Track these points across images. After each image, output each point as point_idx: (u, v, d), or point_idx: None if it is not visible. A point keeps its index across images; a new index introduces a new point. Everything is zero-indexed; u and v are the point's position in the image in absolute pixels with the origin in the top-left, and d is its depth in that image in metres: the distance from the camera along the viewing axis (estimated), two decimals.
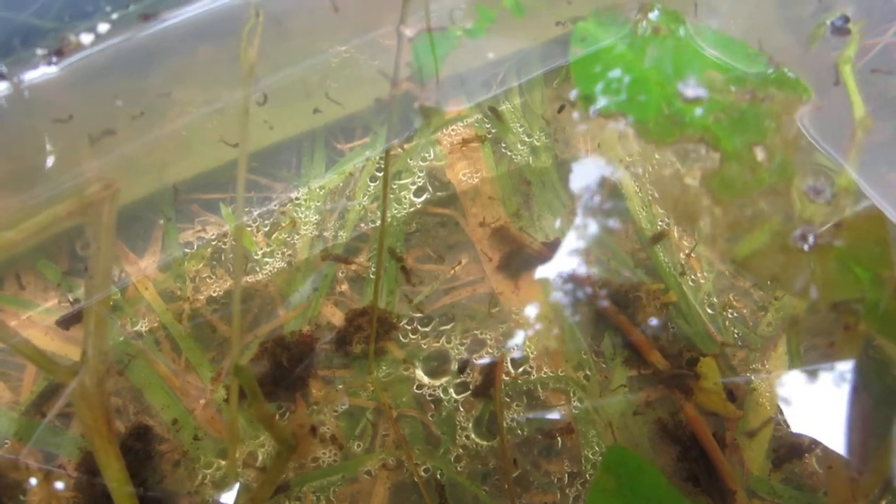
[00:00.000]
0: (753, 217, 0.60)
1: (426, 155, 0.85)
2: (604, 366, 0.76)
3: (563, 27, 0.68)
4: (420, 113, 0.79)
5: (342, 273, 0.80)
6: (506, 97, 0.88)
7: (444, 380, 0.75)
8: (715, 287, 0.79)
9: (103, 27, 0.61)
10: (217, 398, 0.74)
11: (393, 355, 0.76)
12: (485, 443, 0.72)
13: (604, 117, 0.60)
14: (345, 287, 0.79)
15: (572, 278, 0.79)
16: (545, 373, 0.75)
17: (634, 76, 0.62)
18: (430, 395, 0.74)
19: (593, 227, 0.82)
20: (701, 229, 0.61)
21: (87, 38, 0.61)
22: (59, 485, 0.67)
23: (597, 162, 0.83)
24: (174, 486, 0.69)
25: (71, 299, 0.76)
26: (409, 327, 0.77)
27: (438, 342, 0.77)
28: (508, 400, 0.74)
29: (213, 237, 0.80)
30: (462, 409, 0.73)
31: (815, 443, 0.71)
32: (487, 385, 0.74)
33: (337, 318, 0.78)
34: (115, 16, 0.60)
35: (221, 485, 0.68)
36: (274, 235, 0.81)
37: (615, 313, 0.77)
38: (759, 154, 0.59)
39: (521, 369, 0.75)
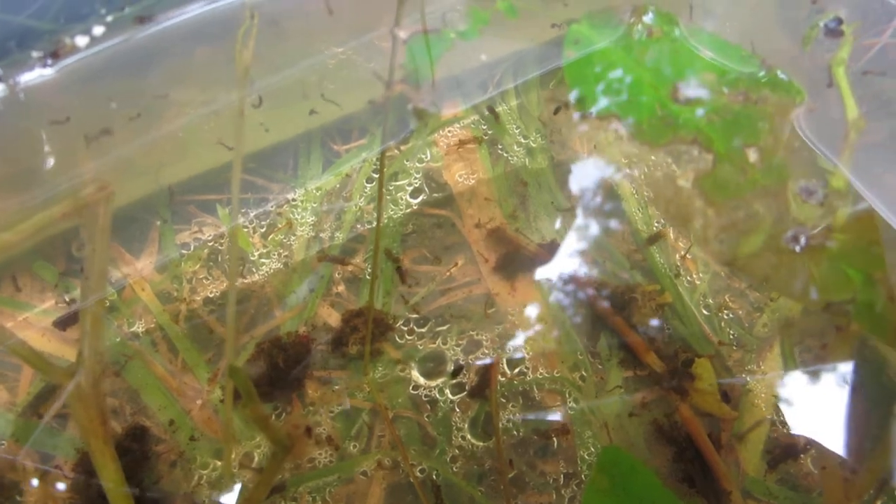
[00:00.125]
0: (746, 218, 0.60)
1: (423, 156, 0.86)
2: (600, 367, 0.76)
3: (558, 29, 0.68)
4: (414, 115, 0.80)
5: (339, 274, 0.80)
6: (502, 99, 0.89)
7: (440, 381, 0.75)
8: (711, 288, 0.79)
9: (98, 30, 0.61)
10: (213, 399, 0.74)
11: (389, 356, 0.76)
12: (481, 443, 0.72)
13: (597, 119, 0.60)
14: (341, 288, 0.80)
15: (568, 280, 0.79)
16: (541, 374, 0.75)
17: (628, 78, 0.62)
18: (426, 395, 0.74)
19: (589, 229, 0.82)
20: (694, 231, 0.61)
21: (82, 41, 0.61)
22: (56, 486, 0.68)
23: (593, 163, 0.83)
24: (171, 487, 0.70)
25: (67, 300, 0.76)
26: (406, 328, 0.78)
27: (435, 343, 0.77)
28: (504, 401, 0.74)
29: (210, 238, 0.81)
30: (458, 410, 0.73)
31: (810, 443, 0.71)
32: (483, 386, 0.74)
33: (333, 319, 0.78)
34: (110, 18, 0.61)
35: (218, 485, 0.68)
36: (270, 236, 0.81)
37: (611, 314, 0.77)
38: (752, 155, 0.59)
39: (517, 370, 0.75)
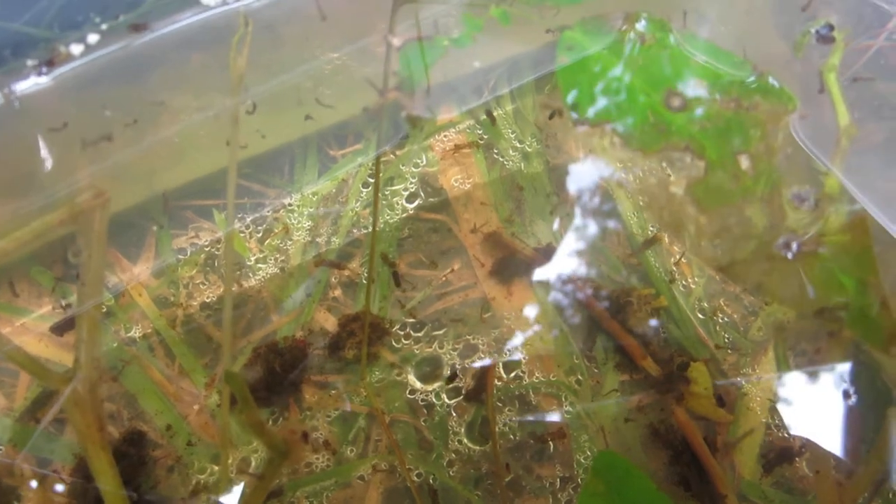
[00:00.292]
0: (738, 225, 0.60)
1: (418, 161, 0.86)
2: (596, 370, 0.76)
3: (552, 35, 0.69)
4: (407, 122, 0.80)
5: (335, 279, 0.80)
6: (497, 103, 0.89)
7: (436, 385, 0.75)
8: (706, 292, 0.79)
9: (93, 38, 0.61)
10: (211, 404, 0.74)
11: (386, 360, 0.76)
12: (477, 447, 0.72)
13: (590, 125, 0.60)
14: (338, 292, 0.80)
15: (564, 283, 0.79)
16: (537, 377, 0.75)
17: (620, 85, 0.62)
18: (422, 399, 0.74)
19: (585, 233, 0.82)
20: (687, 237, 0.62)
21: (77, 49, 0.61)
22: (54, 490, 0.68)
23: (588, 168, 0.83)
24: (168, 492, 0.70)
25: (64, 305, 0.76)
26: (402, 332, 0.78)
27: (431, 347, 0.77)
28: (501, 405, 0.74)
29: (207, 243, 0.81)
30: (454, 414, 0.74)
31: (805, 447, 0.71)
32: (480, 390, 0.74)
33: (330, 323, 0.78)
34: (104, 26, 0.61)
35: (215, 490, 0.69)
36: (267, 241, 0.81)
37: (607, 318, 0.77)
38: (744, 162, 0.59)
39: (513, 374, 0.76)
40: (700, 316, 0.78)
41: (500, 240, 0.82)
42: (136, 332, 0.76)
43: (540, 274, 0.80)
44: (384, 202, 0.83)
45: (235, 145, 0.54)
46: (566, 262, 0.80)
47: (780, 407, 0.73)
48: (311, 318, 0.78)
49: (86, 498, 0.68)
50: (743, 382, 0.74)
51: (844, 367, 0.72)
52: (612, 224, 0.82)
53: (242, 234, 0.81)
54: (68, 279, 0.78)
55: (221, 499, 0.68)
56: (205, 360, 0.76)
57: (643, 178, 0.71)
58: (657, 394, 0.75)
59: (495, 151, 0.87)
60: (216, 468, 0.70)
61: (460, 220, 0.84)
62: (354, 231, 0.82)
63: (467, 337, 0.78)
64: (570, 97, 0.61)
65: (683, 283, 0.80)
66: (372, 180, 0.84)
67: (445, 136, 0.87)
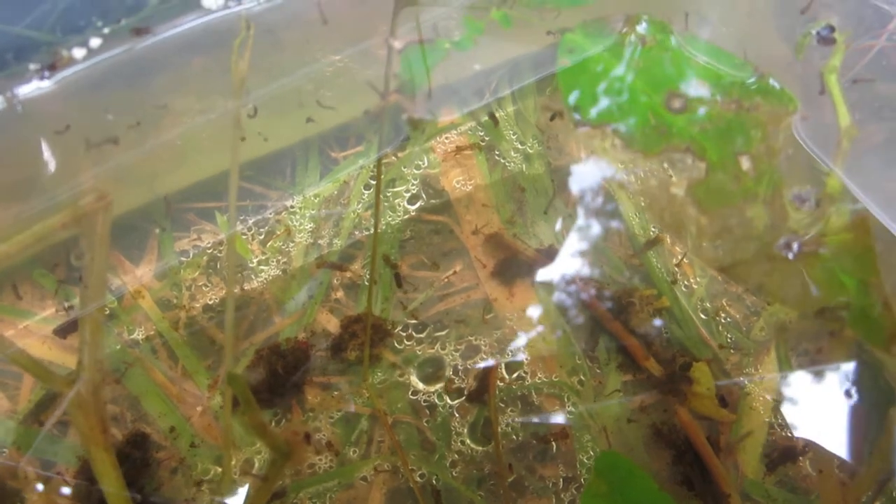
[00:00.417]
0: (739, 226, 0.60)
1: (420, 163, 0.86)
2: (598, 371, 0.76)
3: (553, 37, 0.69)
4: (408, 124, 0.80)
5: (337, 280, 0.81)
6: (499, 105, 0.89)
7: (438, 386, 0.75)
8: (708, 292, 0.79)
9: (95, 41, 0.62)
10: (214, 405, 0.74)
11: (388, 362, 0.76)
12: (480, 448, 0.72)
13: (591, 127, 0.60)
14: (340, 294, 0.80)
15: (566, 285, 0.79)
16: (540, 378, 0.75)
17: (621, 86, 0.62)
18: (425, 400, 0.74)
19: (587, 234, 0.82)
20: (687, 238, 0.62)
21: (79, 53, 0.61)
22: (58, 492, 0.68)
23: (589, 169, 0.83)
24: (172, 493, 0.70)
25: (67, 307, 0.76)
26: (405, 334, 0.78)
27: (433, 348, 0.77)
28: (503, 405, 0.74)
29: (209, 245, 0.81)
30: (457, 415, 0.74)
31: (808, 446, 0.71)
32: (482, 391, 0.74)
33: (332, 325, 0.78)
34: (107, 30, 0.61)
35: (218, 492, 0.69)
36: (269, 243, 0.81)
37: (609, 319, 0.78)
38: (745, 163, 0.59)
39: (515, 375, 0.76)
40: (702, 316, 0.78)
41: (501, 241, 0.82)
42: (139, 335, 0.76)
43: (542, 275, 0.80)
44: (386, 204, 0.83)
45: (236, 146, 0.54)
46: (568, 263, 0.81)
47: (783, 406, 0.73)
48: (314, 319, 0.79)
49: (89, 500, 0.68)
50: (746, 382, 0.74)
51: (847, 367, 0.72)
52: (614, 225, 0.83)
53: (245, 237, 0.81)
54: (71, 282, 0.78)
55: (225, 500, 0.68)
56: (208, 362, 0.76)
57: (644, 180, 0.71)
58: (660, 394, 0.75)
59: (497, 153, 0.87)
60: (219, 470, 0.70)
61: (462, 222, 0.84)
62: (356, 233, 0.83)
63: (469, 338, 0.78)
64: (572, 99, 0.62)
65: (685, 283, 0.80)
66: (374, 182, 0.84)
67: (447, 137, 0.88)
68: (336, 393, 0.75)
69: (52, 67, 0.59)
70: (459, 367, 0.76)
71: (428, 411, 0.74)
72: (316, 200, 0.83)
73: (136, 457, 0.70)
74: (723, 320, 0.78)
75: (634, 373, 0.76)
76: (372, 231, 0.82)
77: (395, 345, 0.77)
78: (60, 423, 0.72)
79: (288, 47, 0.85)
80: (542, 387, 0.75)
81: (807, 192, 0.60)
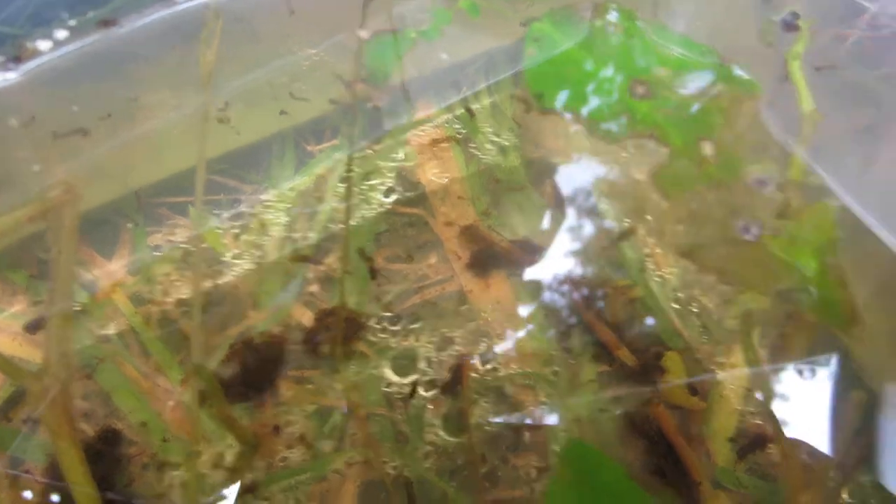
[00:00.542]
0: (701, 210, 0.61)
1: (395, 156, 0.86)
2: (572, 362, 0.76)
3: (525, 28, 0.69)
4: (385, 116, 0.80)
5: (312, 274, 0.80)
6: (475, 98, 0.89)
7: (412, 378, 0.75)
8: (681, 282, 0.80)
9: (61, 34, 0.61)
10: (186, 400, 0.74)
11: (362, 354, 0.76)
12: (453, 439, 0.73)
13: (557, 116, 0.60)
14: (315, 288, 0.80)
15: (540, 276, 0.80)
16: (514, 369, 0.76)
17: (586, 74, 0.63)
18: (398, 393, 0.74)
19: (561, 225, 0.82)
20: (650, 224, 0.62)
21: (44, 45, 0.61)
22: (26, 490, 0.67)
23: (561, 160, 0.84)
24: (143, 489, 0.70)
25: (37, 303, 0.76)
26: (379, 327, 0.78)
27: (407, 341, 0.77)
28: (477, 396, 0.74)
29: (183, 240, 0.81)
30: (431, 407, 0.74)
31: (777, 433, 0.72)
32: (456, 382, 0.75)
33: (307, 318, 0.78)
34: (73, 22, 0.61)
35: (189, 486, 0.68)
36: (243, 237, 0.81)
37: (583, 309, 0.78)
38: (707, 149, 0.60)
39: (489, 366, 0.76)
40: (675, 306, 0.79)
41: (476, 233, 0.82)
42: (111, 330, 0.76)
43: (516, 266, 0.81)
44: (361, 197, 0.83)
45: (204, 141, 0.54)
46: (543, 254, 0.81)
47: (754, 394, 0.73)
48: (289, 313, 0.78)
49: (58, 497, 0.67)
50: (717, 371, 0.75)
51: (812, 352, 0.73)
52: (587, 216, 0.83)
53: (219, 231, 0.81)
54: (43, 277, 0.77)
55: (195, 494, 0.68)
56: (180, 357, 0.76)
57: (608, 167, 0.71)
58: (633, 384, 0.75)
59: (472, 146, 0.87)
60: (191, 464, 0.70)
61: (437, 214, 0.84)
62: (332, 226, 0.82)
63: (444, 330, 0.78)
64: (537, 88, 0.62)
65: (659, 273, 0.80)
66: (350, 175, 0.84)
67: (423, 130, 0.88)
68: (310, 386, 0.75)
69: (18, 59, 0.59)
70: (433, 359, 0.76)
71: (402, 403, 0.74)
72: (291, 194, 0.83)
73: (106, 453, 0.70)
74: (696, 310, 0.78)
75: (609, 363, 0.76)
76: (348, 224, 0.81)
77: (370, 338, 0.77)
78: (30, 420, 0.71)
79: (264, 39, 0.85)
80: (515, 378, 0.75)
81: (767, 177, 0.61)
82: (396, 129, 0.86)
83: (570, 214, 0.83)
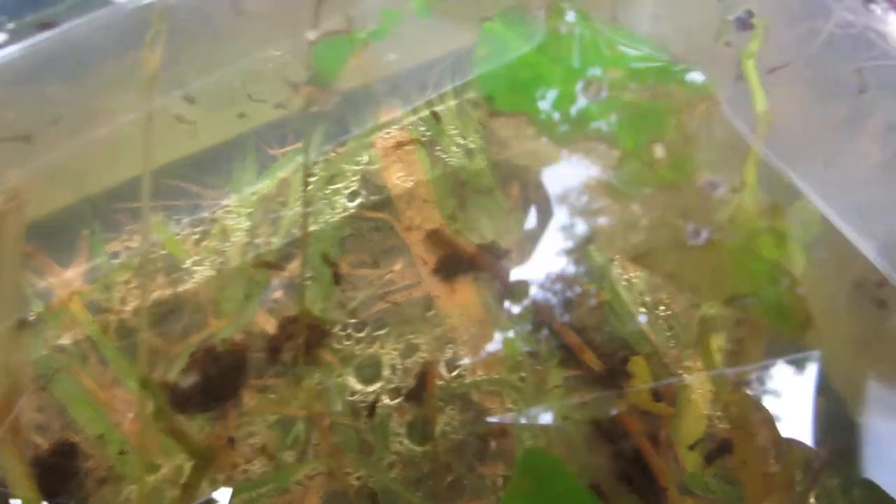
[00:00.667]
0: (652, 214, 0.60)
1: (360, 159, 0.85)
2: (539, 367, 0.76)
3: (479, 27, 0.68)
4: (346, 117, 0.79)
5: (276, 280, 0.79)
6: (441, 100, 0.88)
7: (377, 386, 0.74)
8: (648, 285, 0.79)
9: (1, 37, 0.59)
10: (145, 411, 0.72)
11: (326, 362, 0.75)
12: (419, 448, 0.71)
13: (507, 117, 0.59)
14: (279, 294, 0.78)
15: (507, 279, 0.79)
16: (480, 375, 0.75)
17: (538, 75, 0.61)
18: (363, 401, 0.73)
19: (527, 228, 0.82)
20: (601, 227, 0.61)
21: None
22: None
23: (528, 162, 0.83)
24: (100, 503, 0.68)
25: None
26: (344, 334, 0.77)
27: (372, 348, 0.76)
28: (442, 404, 0.73)
29: (142, 246, 0.79)
30: (395, 415, 0.73)
31: (738, 438, 0.71)
32: (421, 390, 0.73)
33: (270, 325, 0.77)
34: (11, 25, 0.59)
35: (145, 500, 0.67)
36: (204, 243, 0.79)
37: (549, 313, 0.77)
38: (659, 151, 0.59)
39: (455, 373, 0.75)
40: (642, 310, 0.78)
41: (442, 237, 0.81)
42: (67, 340, 0.74)
43: (483, 270, 0.80)
44: (325, 201, 0.82)
45: (148, 148, 0.52)
46: (509, 257, 0.80)
47: (720, 398, 0.73)
48: (251, 320, 0.77)
49: None
50: (685, 375, 0.74)
51: (776, 355, 0.72)
52: (553, 218, 0.82)
53: (178, 237, 0.79)
54: None
55: None
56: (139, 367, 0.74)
57: (558, 169, 0.70)
58: (600, 389, 0.74)
59: (438, 148, 0.86)
60: (149, 479, 0.68)
61: (403, 218, 0.82)
62: (295, 231, 0.81)
63: (409, 336, 0.77)
64: (487, 90, 0.61)
65: (626, 277, 0.79)
66: (312, 179, 0.83)
67: (388, 133, 0.86)
68: (273, 395, 0.73)
69: None
70: (398, 367, 0.75)
71: (366, 412, 0.73)
72: (253, 198, 0.82)
73: (62, 467, 0.68)
74: (663, 313, 0.78)
75: (576, 368, 0.76)
76: (311, 228, 0.80)
77: (334, 345, 0.76)
78: None
79: (226, 39, 0.83)
80: (481, 384, 0.74)
81: (718, 179, 0.60)
82: (361, 132, 0.85)
83: (538, 217, 0.82)
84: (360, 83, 0.74)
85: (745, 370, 0.69)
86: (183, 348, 0.75)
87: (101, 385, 0.73)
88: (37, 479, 0.66)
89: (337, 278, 0.79)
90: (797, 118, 0.77)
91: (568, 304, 0.76)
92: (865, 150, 0.71)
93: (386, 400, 0.73)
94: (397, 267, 0.80)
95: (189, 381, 0.74)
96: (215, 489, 0.68)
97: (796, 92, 0.77)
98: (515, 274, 0.78)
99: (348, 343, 0.76)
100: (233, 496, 0.68)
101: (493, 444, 0.72)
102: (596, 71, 0.60)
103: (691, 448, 0.66)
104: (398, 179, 0.84)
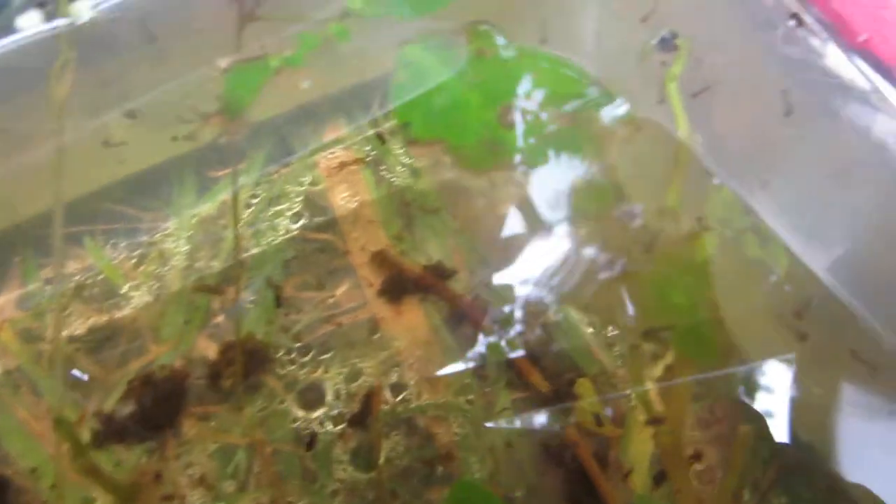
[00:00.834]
0: (565, 243, 0.59)
1: (303, 179, 0.83)
2: (487, 389, 0.75)
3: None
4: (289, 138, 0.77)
5: (217, 304, 0.77)
6: (386, 118, 0.87)
7: (320, 412, 0.72)
8: None
9: None
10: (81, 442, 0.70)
11: (269, 388, 0.73)
12: (363, 475, 0.70)
13: (423, 145, 0.59)
14: (220, 318, 0.77)
15: (454, 301, 0.78)
16: (426, 399, 0.73)
17: (455, 101, 0.61)
18: (306, 428, 0.72)
19: (474, 248, 0.81)
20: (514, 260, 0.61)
21: None
22: None
23: (476, 182, 0.82)
24: None
25: None
26: (287, 358, 0.75)
27: (316, 373, 0.74)
28: (387, 429, 0.72)
29: (76, 272, 0.77)
30: (339, 442, 0.71)
31: (693, 458, 0.71)
32: (365, 415, 0.72)
33: (212, 351, 0.75)
34: None
35: None
36: (142, 268, 0.77)
37: (498, 335, 0.76)
38: (578, 179, 0.58)
39: (400, 397, 0.74)
40: (590, 330, 0.77)
41: (388, 258, 0.80)
42: None
43: (429, 291, 0.78)
44: (267, 223, 0.80)
45: (59, 178, 0.51)
46: (456, 277, 0.79)
47: (667, 419, 0.72)
48: (192, 346, 0.75)
49: None
50: (632, 396, 0.74)
51: (702, 381, 0.72)
52: (500, 238, 0.81)
53: (116, 261, 0.77)
54: None
55: None
56: (75, 396, 0.72)
57: (469, 199, 0.70)
58: (547, 411, 0.73)
59: (383, 168, 0.85)
60: None
61: (348, 240, 0.81)
62: (237, 254, 0.79)
63: (354, 360, 0.75)
64: (404, 117, 0.60)
65: None
66: (254, 201, 0.81)
67: (332, 153, 0.85)
68: (213, 424, 0.72)
69: None
70: (343, 392, 0.73)
71: (309, 439, 0.71)
72: (193, 221, 0.80)
73: None
74: (610, 333, 0.77)
75: (524, 390, 0.75)
76: (253, 251, 0.79)
77: (277, 370, 0.74)
78: None
79: (171, 58, 0.82)
80: (427, 408, 0.73)
81: (636, 208, 0.60)
82: (304, 152, 0.84)
83: (482, 237, 0.81)
84: (274, 113, 0.73)
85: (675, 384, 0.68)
86: (121, 376, 0.73)
87: (34, 416, 0.71)
88: None
89: (280, 301, 0.77)
90: (742, 137, 0.77)
91: (516, 325, 0.76)
92: (807, 169, 0.72)
93: (329, 426, 0.72)
94: (343, 289, 0.79)
95: (126, 410, 0.72)
96: None
97: (741, 111, 0.77)
98: (461, 294, 0.77)
99: (292, 368, 0.75)
100: None
101: (439, 468, 0.71)
102: (516, 96, 0.60)
103: (630, 474, 0.66)
104: (343, 200, 0.83)
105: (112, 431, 0.71)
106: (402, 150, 0.85)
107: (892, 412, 0.70)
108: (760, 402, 0.71)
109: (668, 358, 0.65)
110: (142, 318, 0.76)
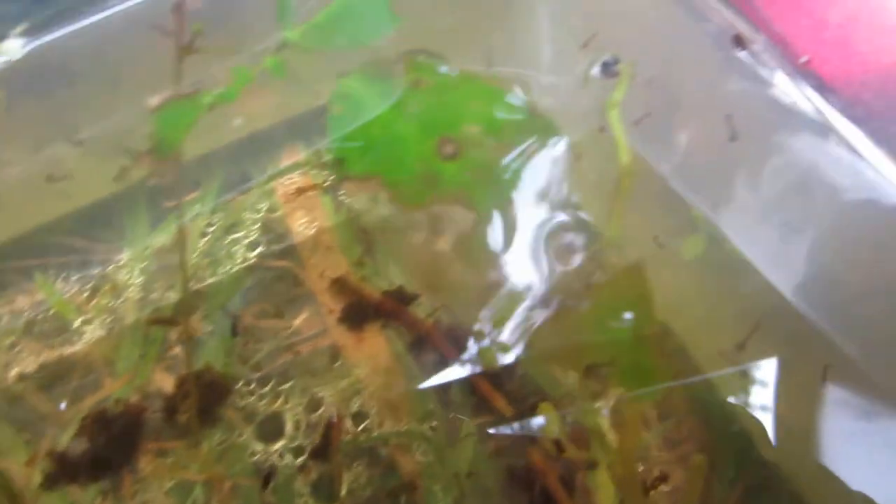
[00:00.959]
0: (507, 281, 0.58)
1: (260, 206, 0.82)
2: (451, 415, 0.74)
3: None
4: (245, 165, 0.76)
5: (174, 336, 0.75)
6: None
7: (280, 444, 0.71)
8: None
9: None
10: (32, 484, 0.68)
11: (228, 420, 0.72)
12: None
13: (357, 181, 0.58)
14: (177, 350, 0.75)
15: (416, 327, 0.77)
16: (388, 427, 0.72)
17: (391, 134, 0.60)
18: (265, 461, 0.70)
19: (436, 273, 0.80)
20: (453, 297, 0.60)
21: None
22: None
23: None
24: None
25: None
26: (247, 389, 0.74)
27: (276, 403, 0.73)
28: (349, 460, 0.71)
29: (26, 307, 0.75)
30: (300, 475, 0.70)
31: (658, 480, 0.70)
32: (326, 446, 0.71)
33: (168, 384, 0.73)
34: None
35: None
36: (94, 301, 0.76)
37: (461, 359, 0.75)
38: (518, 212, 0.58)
39: (361, 426, 0.72)
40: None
41: (347, 285, 0.79)
42: None
43: (390, 318, 0.77)
44: (223, 252, 0.79)
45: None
46: (417, 303, 0.78)
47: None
48: (148, 379, 0.73)
49: None
50: (598, 419, 0.73)
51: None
52: (461, 264, 0.80)
53: (67, 295, 0.75)
54: None
55: None
56: (26, 436, 0.70)
57: (406, 236, 0.69)
58: (512, 435, 0.72)
59: (342, 193, 0.84)
60: None
61: (307, 267, 0.80)
62: (192, 284, 0.78)
63: (315, 389, 0.74)
64: (339, 151, 0.59)
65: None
66: (210, 230, 0.80)
67: (289, 179, 0.84)
68: (170, 459, 0.70)
69: None
70: (303, 422, 0.72)
71: (269, 472, 0.69)
72: (147, 252, 0.78)
73: None
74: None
75: (488, 414, 0.74)
76: (210, 281, 0.77)
77: (237, 402, 0.73)
78: None
79: (125, 84, 0.81)
80: (389, 437, 0.72)
81: (573, 241, 0.59)
82: (261, 179, 0.82)
83: (443, 262, 0.80)
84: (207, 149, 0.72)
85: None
86: (74, 413, 0.71)
87: None
88: None
89: (238, 330, 0.76)
90: (698, 157, 0.77)
91: (479, 349, 0.75)
92: (756, 191, 0.72)
93: (290, 458, 0.70)
94: (302, 317, 0.78)
95: (80, 447, 0.69)
96: None
97: (694, 132, 0.78)
98: (423, 320, 0.77)
99: (251, 399, 0.73)
100: None
101: (402, 498, 0.70)
102: (454, 127, 0.59)
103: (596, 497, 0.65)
104: (301, 226, 0.82)
105: (65, 471, 0.69)
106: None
107: (858, 431, 0.70)
108: (726, 421, 0.70)
109: (610, 395, 0.64)
110: (95, 353, 0.74)
